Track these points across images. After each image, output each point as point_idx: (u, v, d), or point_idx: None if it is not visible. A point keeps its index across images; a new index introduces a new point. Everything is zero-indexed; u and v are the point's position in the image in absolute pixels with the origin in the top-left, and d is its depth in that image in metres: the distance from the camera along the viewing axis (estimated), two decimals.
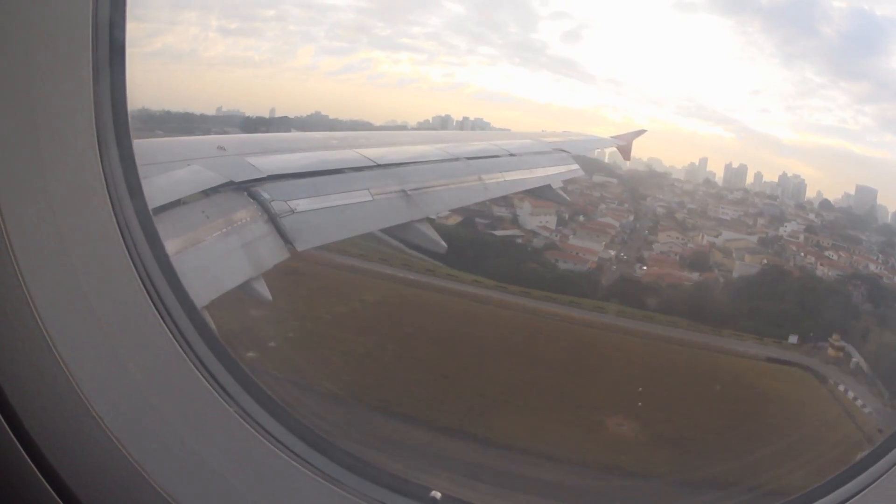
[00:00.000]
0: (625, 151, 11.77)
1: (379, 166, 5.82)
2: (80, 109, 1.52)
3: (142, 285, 1.62)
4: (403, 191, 5.75)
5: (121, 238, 1.59)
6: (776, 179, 13.19)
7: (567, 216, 12.82)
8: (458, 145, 7.68)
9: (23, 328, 1.47)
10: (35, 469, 1.50)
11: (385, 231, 5.72)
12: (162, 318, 1.64)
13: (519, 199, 11.96)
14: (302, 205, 4.54)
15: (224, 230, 3.73)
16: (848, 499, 1.77)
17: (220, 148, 4.40)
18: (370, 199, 5.40)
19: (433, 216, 6.15)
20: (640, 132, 11.92)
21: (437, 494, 1.81)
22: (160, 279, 1.67)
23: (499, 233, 12.60)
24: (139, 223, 1.66)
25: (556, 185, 8.63)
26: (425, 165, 6.55)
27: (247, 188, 4.20)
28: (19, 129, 1.46)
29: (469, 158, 7.45)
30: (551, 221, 12.71)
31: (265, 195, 4.26)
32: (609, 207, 13.68)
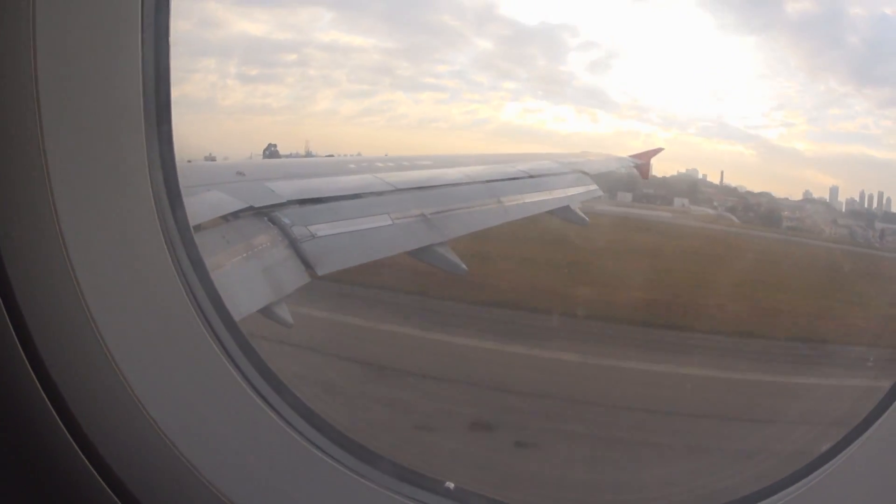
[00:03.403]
0: (643, 170, 11.69)
1: (398, 190, 5.81)
2: (134, 157, 1.67)
3: (191, 306, 1.77)
4: (423, 214, 5.72)
5: (171, 263, 1.74)
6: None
7: None
8: (477, 168, 7.67)
9: (85, 345, 1.62)
10: (94, 472, 1.63)
11: (406, 255, 5.68)
12: (208, 333, 1.80)
13: None
14: (322, 229, 4.52)
15: (244, 255, 3.71)
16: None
17: (240, 173, 4.41)
18: (390, 223, 5.38)
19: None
20: (658, 150, 11.85)
21: (451, 485, 1.96)
22: (207, 303, 1.83)
23: None
24: (186, 250, 1.81)
25: (575, 205, 8.57)
26: (444, 189, 6.53)
27: (267, 213, 4.19)
28: (82, 175, 1.62)
29: (488, 181, 7.44)
30: None
31: (285, 220, 4.25)
32: None
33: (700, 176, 13.51)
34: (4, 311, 1.56)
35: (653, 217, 12.71)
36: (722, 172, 13.43)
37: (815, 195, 12.77)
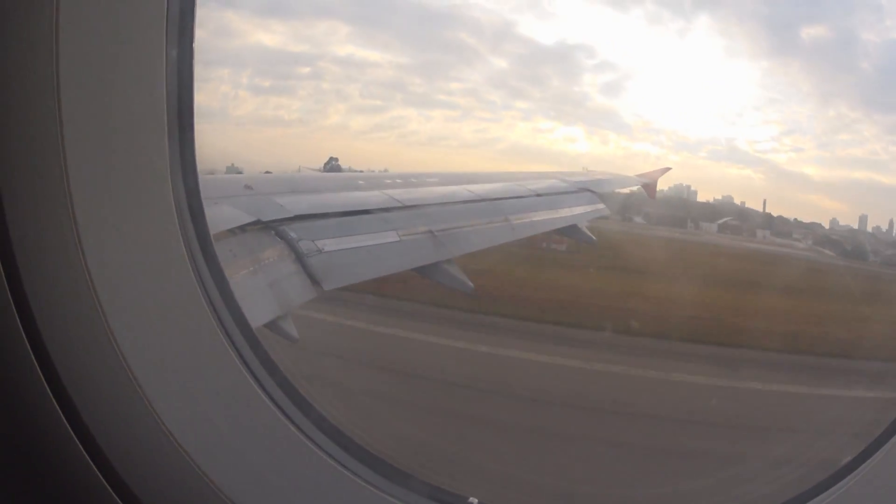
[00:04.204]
0: (650, 189, 11.68)
1: (406, 207, 5.79)
2: (157, 163, 1.66)
3: (210, 315, 1.75)
4: (430, 231, 5.69)
5: (190, 271, 1.72)
6: None
7: None
8: (485, 186, 7.66)
9: (99, 351, 1.60)
10: (104, 480, 1.62)
11: (412, 271, 5.65)
12: (226, 342, 1.78)
13: None
14: (329, 245, 4.49)
15: (251, 269, 3.67)
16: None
17: (248, 187, 4.39)
18: (397, 239, 5.35)
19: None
20: (666, 170, 11.84)
21: (475, 501, 1.93)
22: (226, 313, 1.82)
23: None
24: (205, 258, 1.81)
25: (583, 224, 8.55)
26: (452, 206, 6.51)
27: (274, 227, 4.16)
28: (106, 183, 1.61)
29: (496, 199, 7.42)
30: None
31: (292, 235, 4.21)
32: None
33: (738, 203, 13.41)
34: (16, 315, 1.54)
35: (766, 252, 12.47)
36: (765, 201, 13.32)
37: (842, 223, 12.73)
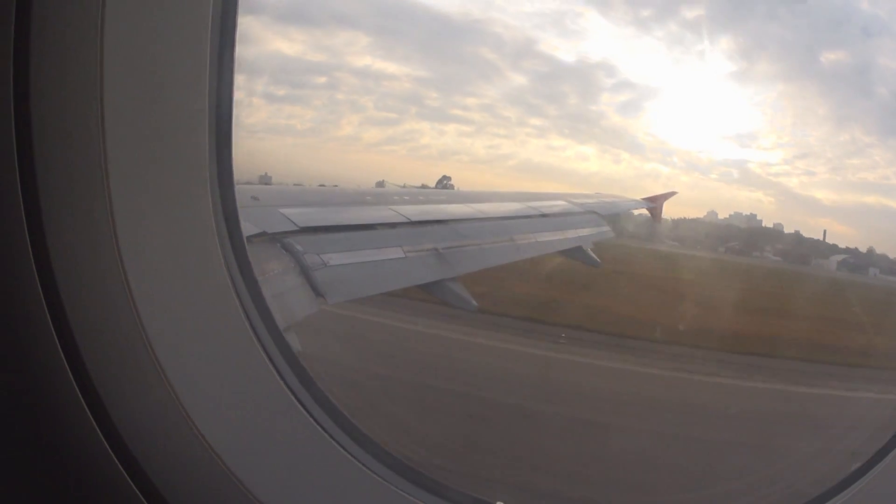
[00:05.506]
0: (655, 213, 11.68)
1: (412, 223, 5.78)
2: (197, 171, 1.67)
3: (246, 324, 1.77)
4: (436, 249, 5.67)
5: (227, 278, 1.73)
6: None
7: None
8: (492, 206, 7.66)
9: (133, 355, 1.61)
10: (132, 484, 1.61)
11: (417, 288, 5.62)
12: (259, 349, 1.79)
13: None
14: (335, 259, 4.47)
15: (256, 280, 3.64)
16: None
17: (254, 198, 4.37)
18: (402, 255, 5.33)
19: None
20: (672, 193, 11.84)
21: None
22: (259, 321, 1.83)
23: None
24: (239, 265, 1.81)
25: (588, 246, 8.53)
26: (458, 224, 6.51)
27: (280, 240, 4.14)
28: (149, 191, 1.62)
29: (502, 219, 7.42)
30: None
31: (298, 248, 4.20)
32: None
33: (793, 231, 13.20)
34: (48, 315, 1.53)
35: None
36: (824, 231, 13.21)
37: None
